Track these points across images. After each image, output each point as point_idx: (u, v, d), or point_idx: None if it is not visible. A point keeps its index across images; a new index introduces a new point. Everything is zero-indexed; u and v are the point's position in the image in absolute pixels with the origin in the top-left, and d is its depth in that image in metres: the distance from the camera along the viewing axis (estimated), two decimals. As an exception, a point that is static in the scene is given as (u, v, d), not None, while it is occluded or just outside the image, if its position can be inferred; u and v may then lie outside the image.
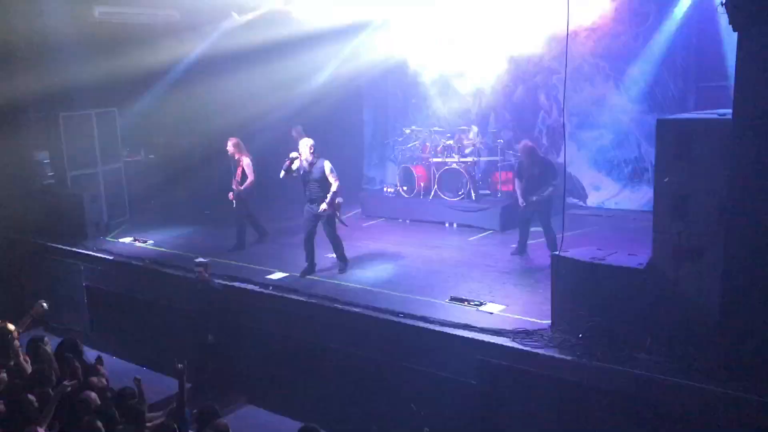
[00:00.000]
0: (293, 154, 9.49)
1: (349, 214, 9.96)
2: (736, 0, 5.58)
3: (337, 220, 9.62)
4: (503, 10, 12.96)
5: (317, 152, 9.49)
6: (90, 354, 7.47)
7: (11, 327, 7.23)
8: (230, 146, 10.86)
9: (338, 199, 9.52)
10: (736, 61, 5.82)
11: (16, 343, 7.11)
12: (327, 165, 9.41)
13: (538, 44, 13.17)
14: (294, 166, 9.48)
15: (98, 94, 12.59)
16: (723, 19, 5.92)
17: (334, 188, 9.37)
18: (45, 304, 7.77)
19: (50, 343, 7.18)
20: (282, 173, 9.58)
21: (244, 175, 10.84)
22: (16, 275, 11.90)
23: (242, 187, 10.82)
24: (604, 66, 12.84)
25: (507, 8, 12.86)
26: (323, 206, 9.35)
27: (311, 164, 9.40)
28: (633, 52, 12.40)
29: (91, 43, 12.12)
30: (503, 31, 13.41)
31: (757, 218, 5.90)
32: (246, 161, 10.81)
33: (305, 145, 9.44)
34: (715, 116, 6.58)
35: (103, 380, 6.56)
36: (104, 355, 7.55)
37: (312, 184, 9.46)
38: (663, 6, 11.86)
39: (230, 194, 10.88)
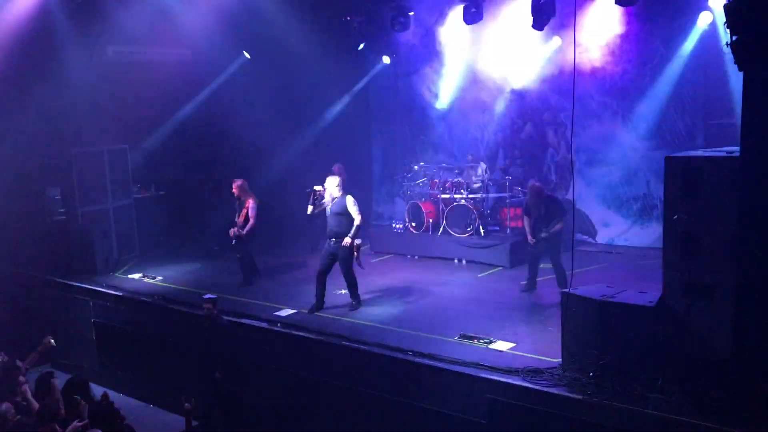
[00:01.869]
0: (317, 187, 9.58)
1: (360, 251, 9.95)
2: (741, 40, 5.64)
3: (355, 260, 9.64)
4: (511, 47, 13.15)
5: (343, 189, 9.58)
6: (96, 390, 7.43)
7: (19, 363, 7.23)
8: (235, 188, 10.95)
9: (357, 241, 9.54)
10: (743, 99, 5.86)
11: (22, 379, 7.10)
12: (349, 199, 9.47)
13: (545, 82, 13.34)
14: (323, 200, 9.57)
15: (110, 130, 12.75)
16: (729, 57, 5.98)
17: (357, 221, 9.41)
18: (52, 340, 7.77)
19: (59, 380, 7.16)
20: (309, 208, 9.66)
21: (247, 217, 10.88)
22: (25, 311, 11.92)
23: (243, 231, 10.85)
24: (611, 103, 12.94)
25: (515, 46, 13.05)
26: (347, 239, 9.36)
27: (333, 199, 9.49)
28: (640, 89, 12.50)
29: (104, 80, 12.31)
30: (511, 69, 13.60)
31: (766, 255, 5.87)
32: (251, 203, 10.85)
33: (333, 181, 9.53)
34: (723, 154, 6.58)
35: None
36: (110, 392, 7.51)
37: (332, 218, 9.51)
38: (669, 44, 11.99)
39: (231, 231, 10.91)
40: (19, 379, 7.00)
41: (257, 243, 11.48)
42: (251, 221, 10.83)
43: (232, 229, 10.89)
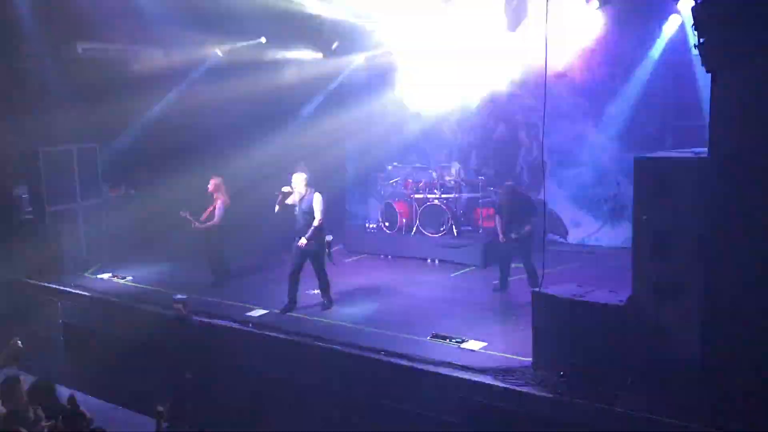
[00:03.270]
0: (285, 188, 9.51)
1: (332, 250, 9.93)
2: (708, 43, 5.72)
3: (326, 256, 9.58)
4: (484, 49, 13.19)
5: (311, 185, 9.51)
6: (63, 392, 7.31)
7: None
8: (211, 184, 10.91)
9: (328, 237, 9.50)
10: (710, 101, 5.95)
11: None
12: (316, 198, 9.43)
13: (518, 83, 13.40)
14: (289, 201, 9.51)
15: (79, 128, 12.55)
16: (697, 59, 6.07)
17: (315, 223, 9.34)
18: (20, 342, 7.61)
19: (25, 382, 7.02)
20: (276, 207, 9.58)
21: (211, 215, 10.88)
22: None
23: (200, 225, 10.84)
24: (582, 105, 13.05)
25: (488, 47, 13.09)
26: (302, 240, 9.32)
27: (303, 197, 9.41)
28: (610, 91, 12.63)
29: (74, 78, 12.12)
30: (484, 70, 13.63)
31: (735, 255, 5.97)
32: (219, 204, 10.83)
33: (299, 179, 9.47)
34: (691, 155, 6.68)
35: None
36: (79, 394, 7.38)
37: (300, 217, 9.47)
38: (639, 47, 12.13)
39: (193, 224, 10.84)
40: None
41: (229, 243, 11.41)
42: (215, 220, 10.81)
43: (193, 221, 10.77)
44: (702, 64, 5.93)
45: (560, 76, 12.55)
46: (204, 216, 10.89)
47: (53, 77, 11.92)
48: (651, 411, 6.20)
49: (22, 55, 11.62)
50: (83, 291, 10.94)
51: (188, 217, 10.78)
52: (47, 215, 12.11)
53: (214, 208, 10.85)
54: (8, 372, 7.68)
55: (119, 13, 11.84)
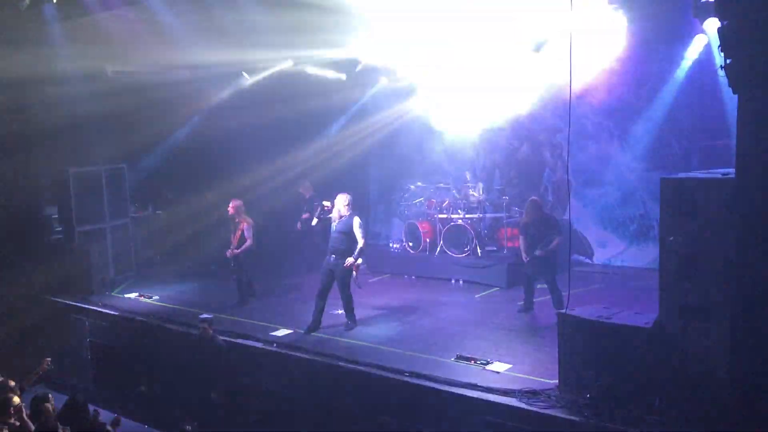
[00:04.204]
0: (326, 203, 9.75)
1: (360, 272, 9.95)
2: (735, 64, 5.69)
3: (353, 280, 9.62)
4: (507, 69, 13.21)
5: (352, 208, 9.61)
6: (103, 414, 7.38)
7: (12, 383, 7.17)
8: (231, 208, 10.98)
9: (358, 260, 9.55)
10: (737, 122, 5.89)
11: (17, 400, 7.03)
12: (356, 221, 9.50)
13: (541, 103, 13.38)
14: (330, 215, 9.67)
15: (108, 149, 12.77)
16: (723, 80, 6.03)
17: (361, 244, 9.43)
18: (49, 361, 7.73)
19: (54, 401, 7.10)
20: (314, 220, 9.91)
21: (242, 238, 10.93)
22: (21, 330, 11.85)
23: (238, 250, 10.91)
24: (607, 124, 13.00)
25: (511, 67, 13.12)
26: (349, 260, 9.37)
27: (341, 216, 9.52)
28: (636, 110, 12.57)
29: (103, 100, 12.34)
30: (507, 90, 13.65)
31: (763, 277, 5.88)
32: (245, 226, 10.91)
33: (342, 200, 9.57)
34: (718, 176, 6.62)
35: None
36: (105, 412, 7.46)
37: (335, 235, 9.54)
38: (665, 66, 12.06)
39: (228, 252, 10.97)
40: (12, 400, 6.93)
41: (253, 263, 11.48)
42: (248, 242, 10.87)
43: (228, 251, 10.93)
44: (729, 85, 5.89)
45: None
46: (234, 242, 10.95)
47: (83, 99, 12.14)
48: (679, 435, 6.12)
49: (52, 77, 11.86)
50: (111, 310, 11.07)
51: (231, 252, 10.93)
52: (76, 235, 12.32)
53: (242, 231, 10.89)
54: (38, 391, 7.79)
55: (147, 36, 12.06)
